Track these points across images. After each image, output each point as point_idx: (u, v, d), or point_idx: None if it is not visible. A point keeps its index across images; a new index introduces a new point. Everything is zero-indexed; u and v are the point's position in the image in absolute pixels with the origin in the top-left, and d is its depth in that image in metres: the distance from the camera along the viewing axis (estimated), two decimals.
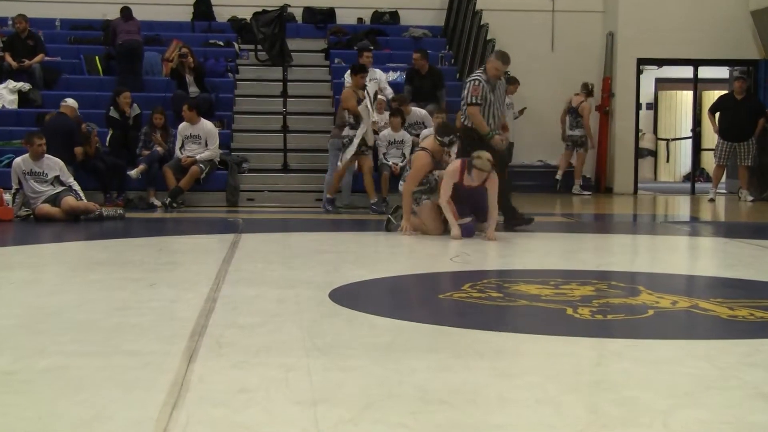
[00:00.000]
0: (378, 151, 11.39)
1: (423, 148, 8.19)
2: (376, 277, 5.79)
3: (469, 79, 8.57)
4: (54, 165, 9.67)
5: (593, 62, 15.36)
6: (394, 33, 15.32)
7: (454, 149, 8.07)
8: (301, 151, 12.75)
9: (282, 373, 3.30)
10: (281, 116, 12.84)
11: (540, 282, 5.45)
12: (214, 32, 15.12)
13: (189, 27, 15.30)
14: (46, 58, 13.50)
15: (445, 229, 8.00)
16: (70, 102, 11.41)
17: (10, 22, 13.85)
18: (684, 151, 19.10)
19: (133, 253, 7.14)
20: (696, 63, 15.65)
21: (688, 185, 16.66)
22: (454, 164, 7.83)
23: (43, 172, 9.58)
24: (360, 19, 15.71)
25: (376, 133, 11.21)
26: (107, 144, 11.78)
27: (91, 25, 14.86)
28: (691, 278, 6.24)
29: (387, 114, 11.75)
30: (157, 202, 11.39)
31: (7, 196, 9.59)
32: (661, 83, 19.48)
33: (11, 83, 12.96)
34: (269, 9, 14.27)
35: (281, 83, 13.32)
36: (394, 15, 15.65)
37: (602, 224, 10.85)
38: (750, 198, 13.53)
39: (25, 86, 12.96)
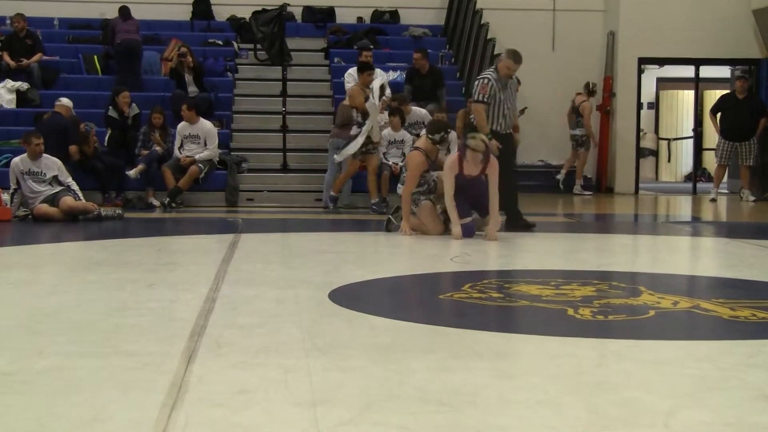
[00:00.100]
0: (378, 150, 11.38)
1: (416, 148, 8.20)
2: (376, 278, 5.78)
3: (479, 77, 8.59)
4: (52, 165, 9.66)
5: (594, 62, 15.34)
6: (394, 32, 15.31)
7: (454, 147, 8.07)
8: (300, 151, 12.74)
9: (281, 374, 3.29)
10: (281, 116, 12.83)
11: (541, 282, 5.44)
12: (213, 31, 15.12)
13: (188, 26, 15.29)
14: (45, 58, 13.48)
15: (445, 230, 7.99)
16: (65, 101, 11.41)
17: (8, 22, 13.82)
18: (685, 150, 19.09)
19: (131, 253, 7.13)
20: (697, 62, 15.64)
21: (689, 185, 16.65)
22: (452, 156, 7.84)
23: (42, 172, 9.56)
24: (360, 18, 15.70)
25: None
26: (106, 144, 11.77)
27: (90, 24, 14.85)
28: (692, 279, 6.23)
29: (386, 113, 11.74)
30: (156, 202, 11.37)
31: (5, 196, 9.57)
32: (663, 83, 19.47)
33: (9, 83, 12.95)
34: (269, 8, 14.27)
35: (281, 83, 13.32)
36: (394, 14, 15.64)
37: (603, 224, 10.84)
38: (752, 198, 13.51)
39: (24, 86, 12.95)
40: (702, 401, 3.06)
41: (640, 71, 15.45)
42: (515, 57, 8.37)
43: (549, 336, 4.09)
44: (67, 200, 9.48)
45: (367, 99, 10.63)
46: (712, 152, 14.99)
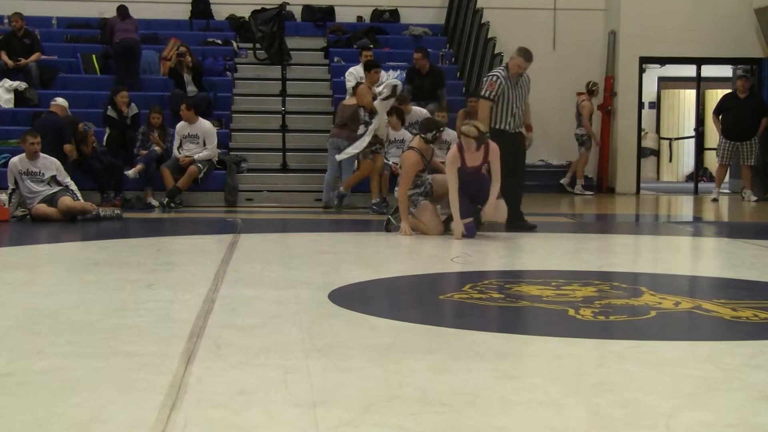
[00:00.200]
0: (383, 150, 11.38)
1: (411, 148, 8.20)
2: (376, 278, 5.76)
3: (489, 74, 8.60)
4: (50, 165, 9.65)
5: (595, 61, 15.32)
6: (394, 31, 15.29)
7: (455, 145, 8.05)
8: (300, 151, 12.72)
9: (281, 375, 3.27)
10: (280, 115, 12.81)
11: (541, 283, 5.43)
12: (212, 30, 15.10)
13: (187, 25, 15.27)
14: (43, 57, 13.46)
15: (445, 230, 7.98)
16: (60, 101, 11.40)
17: (6, 21, 13.81)
18: (687, 150, 19.08)
19: (130, 253, 7.12)
20: (699, 61, 15.62)
21: (690, 185, 16.63)
22: (451, 151, 7.86)
23: (40, 172, 9.55)
24: (360, 18, 15.68)
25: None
26: (104, 143, 11.75)
27: (88, 23, 14.84)
28: (694, 279, 6.21)
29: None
30: (155, 202, 11.36)
31: (4, 196, 9.56)
32: (664, 82, 19.46)
33: (7, 82, 12.93)
34: (268, 7, 14.27)
35: (280, 82, 13.31)
36: (394, 13, 15.62)
37: (604, 224, 10.82)
38: (753, 198, 13.49)
39: (22, 85, 12.94)
40: (704, 402, 3.05)
41: (642, 70, 15.43)
42: (526, 55, 8.36)
43: (550, 337, 4.08)
44: (66, 200, 9.47)
45: (374, 98, 10.65)
46: (714, 152, 14.96)
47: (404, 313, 4.78)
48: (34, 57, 13.25)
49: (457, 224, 7.72)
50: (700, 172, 17.17)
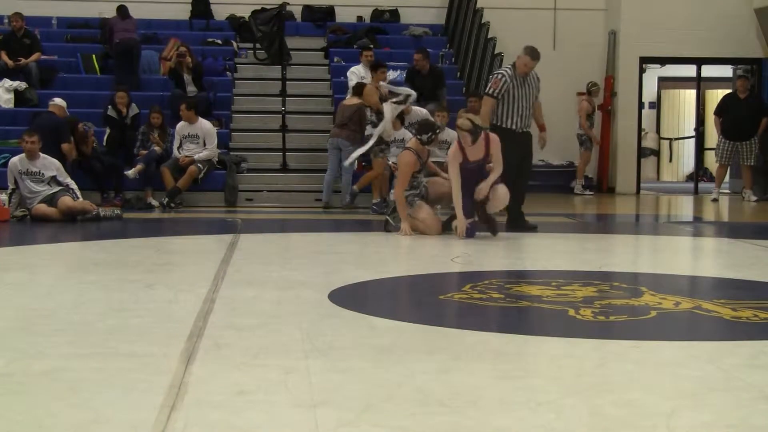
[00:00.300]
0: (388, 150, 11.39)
1: (407, 148, 8.21)
2: (376, 278, 5.76)
3: (496, 72, 8.62)
4: (50, 165, 9.64)
5: (596, 61, 15.32)
6: (394, 31, 15.28)
7: (456, 142, 8.06)
8: (300, 151, 12.71)
9: (281, 375, 3.27)
10: (280, 115, 12.80)
11: (542, 283, 5.43)
12: (212, 30, 15.09)
13: (187, 25, 15.26)
14: (43, 57, 13.45)
15: (445, 229, 7.99)
16: (58, 101, 11.39)
17: (6, 21, 13.80)
18: (687, 150, 19.08)
19: (130, 253, 7.11)
20: (699, 61, 15.62)
21: (691, 185, 16.63)
22: (452, 147, 7.88)
23: (40, 172, 9.54)
24: (360, 18, 15.68)
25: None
26: (104, 143, 11.75)
27: (88, 23, 14.83)
28: (694, 279, 6.21)
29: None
30: (155, 202, 11.35)
31: (3, 197, 9.55)
32: (664, 82, 19.46)
33: (7, 82, 12.93)
34: (268, 7, 14.27)
35: (280, 82, 13.30)
36: (394, 13, 15.62)
37: (604, 224, 10.82)
38: (753, 198, 13.48)
39: (21, 85, 12.93)
40: (704, 402, 3.05)
41: (642, 70, 15.43)
42: (532, 53, 8.37)
43: (550, 337, 4.08)
44: (66, 200, 9.46)
45: (381, 99, 10.66)
46: (714, 152, 14.96)
47: (404, 313, 4.78)
48: (34, 57, 13.24)
49: (461, 220, 7.73)
50: (700, 172, 17.16)
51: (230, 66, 14.08)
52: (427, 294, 5.41)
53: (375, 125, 10.66)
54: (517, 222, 8.47)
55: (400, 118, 11.19)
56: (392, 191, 8.38)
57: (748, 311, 4.57)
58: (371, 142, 10.54)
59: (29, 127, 10.65)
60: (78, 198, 9.63)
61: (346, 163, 10.81)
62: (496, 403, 3.00)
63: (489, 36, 13.59)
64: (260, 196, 12.03)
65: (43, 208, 9.43)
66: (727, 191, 15.03)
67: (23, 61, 13.14)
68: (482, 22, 13.86)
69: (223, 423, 2.76)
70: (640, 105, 15.62)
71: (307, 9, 15.43)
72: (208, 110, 12.59)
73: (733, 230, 9.79)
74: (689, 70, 16.46)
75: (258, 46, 14.33)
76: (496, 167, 7.76)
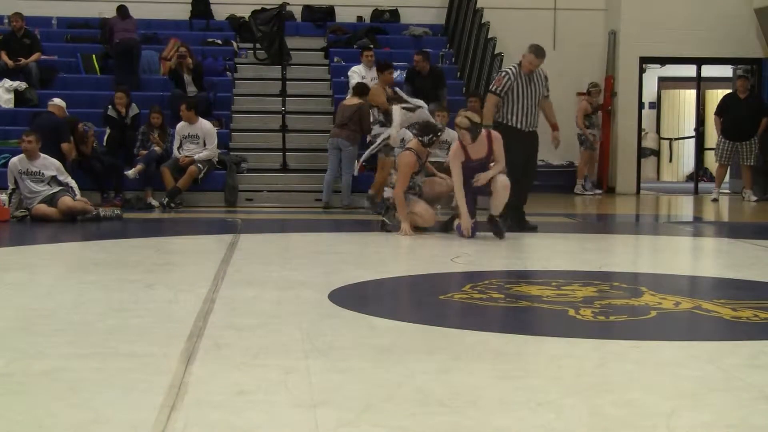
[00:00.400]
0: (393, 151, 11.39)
1: (408, 148, 8.21)
2: (376, 278, 5.76)
3: (501, 70, 8.64)
4: (50, 165, 9.64)
5: (596, 61, 15.31)
6: (395, 31, 15.28)
7: (457, 141, 8.06)
8: (300, 151, 12.71)
9: (281, 375, 3.27)
10: (280, 115, 12.80)
11: (542, 283, 5.43)
12: (212, 31, 15.09)
13: (187, 25, 15.26)
14: (43, 57, 13.44)
15: (446, 229, 8.01)
16: (57, 101, 11.39)
17: (6, 21, 13.80)
18: (687, 150, 19.07)
19: (130, 253, 7.11)
20: (699, 61, 15.61)
21: (691, 185, 16.62)
22: (454, 145, 7.88)
23: (39, 172, 9.54)
24: (360, 17, 15.67)
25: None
26: (104, 143, 11.74)
27: (88, 23, 14.82)
28: (694, 279, 6.21)
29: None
30: (155, 203, 11.35)
31: (3, 197, 9.55)
32: (664, 82, 19.44)
33: (7, 82, 12.92)
34: (268, 7, 14.25)
35: (280, 82, 13.29)
36: (394, 13, 15.61)
37: (604, 224, 10.82)
38: (754, 198, 13.48)
39: (21, 85, 12.93)
40: (704, 402, 3.05)
41: (642, 70, 15.42)
42: (537, 51, 8.37)
43: (550, 337, 4.08)
44: (66, 200, 9.46)
45: (388, 99, 10.66)
46: (714, 152, 14.96)
47: (404, 313, 4.78)
48: (34, 57, 13.24)
49: (465, 217, 7.73)
50: (700, 172, 17.15)
51: (230, 66, 14.08)
52: (428, 294, 5.41)
53: (383, 124, 10.66)
54: (518, 222, 8.47)
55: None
56: (387, 189, 8.37)
57: (748, 311, 4.57)
58: (374, 147, 10.53)
59: (29, 127, 10.66)
60: (76, 196, 9.62)
61: (355, 172, 10.84)
62: (496, 403, 3.00)
63: (489, 36, 13.59)
64: (260, 196, 12.02)
65: (43, 208, 9.43)
66: (727, 191, 15.03)
67: (23, 61, 13.14)
68: (482, 22, 13.85)
69: (223, 423, 2.76)
70: (640, 105, 15.61)
71: (307, 9, 15.43)
72: (208, 110, 12.59)
73: (733, 230, 9.79)
74: (689, 70, 16.45)
75: (258, 46, 14.32)
76: (498, 162, 7.76)
